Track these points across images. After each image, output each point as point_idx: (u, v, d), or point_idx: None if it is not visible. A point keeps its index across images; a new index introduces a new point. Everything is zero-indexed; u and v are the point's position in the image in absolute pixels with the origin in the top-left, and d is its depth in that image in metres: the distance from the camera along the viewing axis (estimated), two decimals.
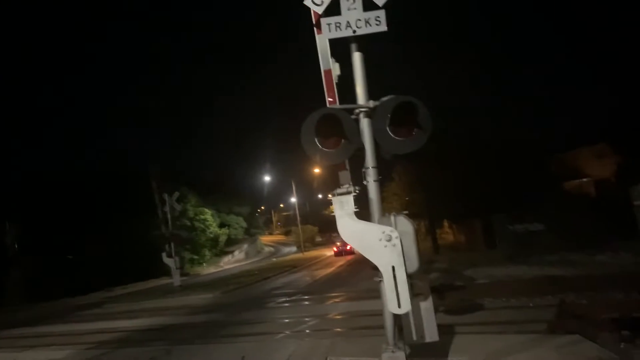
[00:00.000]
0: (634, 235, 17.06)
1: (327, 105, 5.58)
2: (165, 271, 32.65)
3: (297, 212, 58.72)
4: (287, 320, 12.41)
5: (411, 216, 5.50)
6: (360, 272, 22.39)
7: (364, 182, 5.52)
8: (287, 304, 15.79)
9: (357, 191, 5.32)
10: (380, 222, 5.32)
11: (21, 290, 31.11)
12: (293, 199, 61.53)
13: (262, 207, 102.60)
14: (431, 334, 5.52)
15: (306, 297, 17.01)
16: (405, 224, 5.29)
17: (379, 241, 5.00)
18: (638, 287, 9.94)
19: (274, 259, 53.72)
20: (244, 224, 66.58)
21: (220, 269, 49.73)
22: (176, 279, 25.69)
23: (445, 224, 39.92)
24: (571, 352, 6.12)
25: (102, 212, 41.17)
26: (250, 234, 71.65)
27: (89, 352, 11.50)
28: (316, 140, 5.25)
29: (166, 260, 26.04)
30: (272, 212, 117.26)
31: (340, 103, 5.63)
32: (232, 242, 62.71)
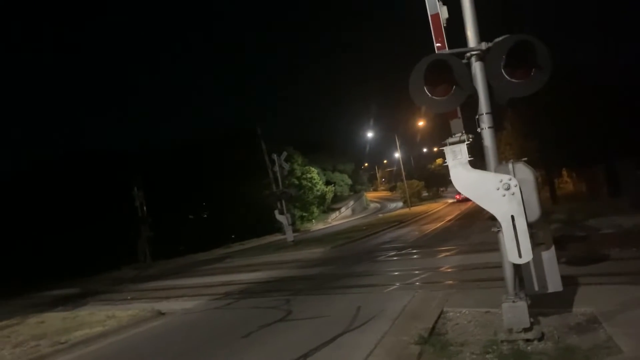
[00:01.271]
0: None
1: (436, 51, 5.37)
2: (278, 228, 34.35)
3: (402, 167, 58.12)
4: (397, 273, 12.51)
5: (529, 165, 5.22)
6: (471, 226, 21.86)
7: (478, 130, 5.31)
8: (396, 258, 15.89)
9: (471, 139, 5.14)
10: (497, 171, 5.12)
11: (151, 247, 34.21)
12: (397, 154, 60.94)
13: (366, 164, 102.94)
14: (554, 284, 5.31)
15: (415, 250, 16.98)
16: (524, 172, 5.05)
17: (497, 190, 4.83)
18: None
19: (380, 215, 54.03)
20: (349, 181, 67.41)
21: (329, 225, 51.06)
22: (289, 235, 26.83)
23: (564, 172, 37.45)
24: None
25: (218, 175, 43.81)
26: (356, 190, 72.46)
27: (215, 302, 12.51)
28: (425, 89, 5.10)
29: (279, 217, 27.23)
30: (377, 169, 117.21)
31: (449, 48, 5.40)
32: (338, 199, 63.93)
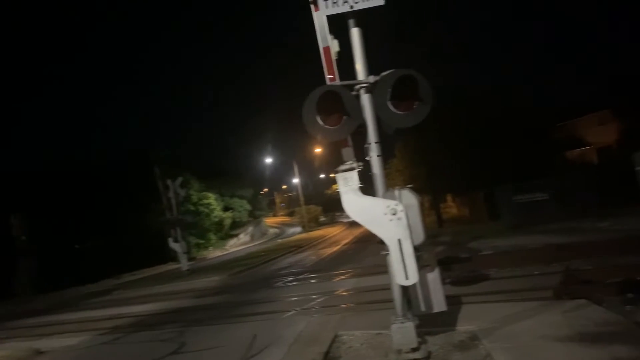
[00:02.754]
0: (637, 200, 17.15)
1: (327, 82, 5.58)
2: (172, 256, 32.98)
3: (300, 192, 58.82)
4: (295, 299, 12.55)
5: (414, 191, 5.55)
6: (365, 250, 22.55)
7: (367, 158, 5.56)
8: (294, 283, 15.95)
9: (360, 167, 5.36)
10: (384, 197, 5.38)
11: (32, 280, 31.39)
12: (295, 180, 61.61)
13: (266, 189, 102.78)
14: (439, 304, 5.62)
15: (313, 275, 17.16)
16: (409, 197, 5.34)
17: (385, 215, 5.06)
18: None
19: (279, 240, 54.02)
20: (248, 207, 66.80)
21: (227, 252, 50.05)
22: (184, 264, 25.93)
23: (449, 197, 40.00)
24: (578, 316, 6.22)
25: (107, 201, 41.34)
26: (255, 216, 71.91)
27: (103, 337, 11.68)
28: (318, 118, 5.27)
29: (173, 245, 26.25)
30: (275, 194, 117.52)
31: (340, 80, 5.63)
32: (237, 225, 62.98)
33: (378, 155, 5.52)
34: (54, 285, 32.58)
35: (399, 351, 5.47)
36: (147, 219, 37.98)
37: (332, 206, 70.39)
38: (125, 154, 46.69)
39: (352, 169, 5.30)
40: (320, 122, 5.27)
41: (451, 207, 39.65)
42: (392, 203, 5.07)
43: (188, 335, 9.82)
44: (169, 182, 26.55)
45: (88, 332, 12.65)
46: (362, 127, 5.51)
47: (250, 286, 17.10)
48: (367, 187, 5.50)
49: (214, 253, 49.08)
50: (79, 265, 38.23)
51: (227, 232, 58.95)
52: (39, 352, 10.55)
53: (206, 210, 51.81)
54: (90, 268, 36.79)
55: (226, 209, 59.11)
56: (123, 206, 41.35)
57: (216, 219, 54.15)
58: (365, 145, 5.56)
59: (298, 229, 65.22)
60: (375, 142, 5.51)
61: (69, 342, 11.64)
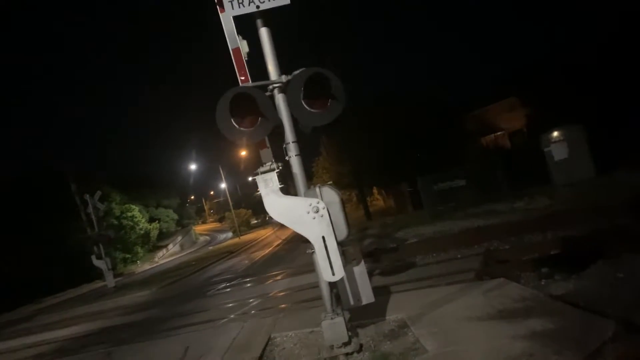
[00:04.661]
0: (548, 180, 18.34)
1: (240, 84, 5.51)
2: (98, 274, 31.39)
3: (229, 197, 58.05)
4: (230, 305, 12.36)
5: (342, 187, 5.63)
6: (297, 249, 22.60)
7: (286, 158, 5.55)
8: (228, 289, 15.71)
9: (280, 167, 5.34)
10: (306, 196, 5.39)
11: None
12: (223, 185, 60.74)
13: (192, 197, 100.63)
14: (367, 297, 5.71)
15: (246, 279, 16.98)
16: (330, 194, 5.38)
17: (307, 214, 5.07)
18: (552, 228, 10.74)
19: (211, 247, 53.02)
20: (175, 216, 65.09)
21: (156, 264, 48.46)
22: (109, 281, 24.82)
23: (375, 191, 40.91)
24: (497, 295, 6.54)
25: (20, 221, 38.71)
26: (183, 225, 70.22)
27: None
28: (232, 121, 5.19)
29: (96, 262, 25.05)
30: (204, 201, 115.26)
31: (254, 81, 5.58)
32: (164, 236, 61.18)
33: (297, 155, 5.53)
34: None
35: (331, 347, 5.51)
36: (68, 237, 36.02)
37: (263, 208, 69.82)
38: (36, 167, 43.78)
39: (271, 170, 5.27)
40: (236, 125, 5.20)
41: (378, 200, 40.57)
42: (313, 201, 5.09)
43: (117, 356, 9.38)
44: (87, 196, 25.27)
45: None
46: (279, 127, 5.50)
47: (181, 297, 16.65)
48: (290, 187, 5.50)
49: (143, 267, 47.35)
50: None
51: (154, 244, 57.10)
52: None
53: (130, 223, 49.87)
54: (5, 295, 34.33)
55: (152, 220, 57.24)
56: (41, 225, 38.90)
57: (142, 232, 52.26)
58: (284, 145, 5.55)
59: (229, 234, 64.35)
60: (293, 142, 5.51)
61: None
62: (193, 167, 62.02)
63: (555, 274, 7.45)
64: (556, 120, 18.94)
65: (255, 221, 73.15)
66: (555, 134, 18.33)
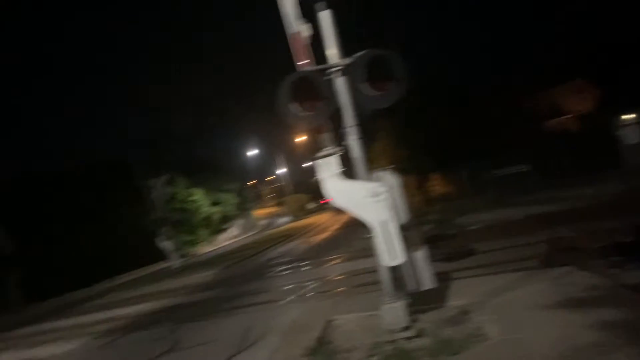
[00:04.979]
0: (618, 164, 17.38)
1: (300, 68, 5.52)
2: (163, 255, 32.81)
3: (287, 181, 58.80)
4: (288, 287, 12.58)
5: (400, 172, 5.56)
6: (355, 233, 22.62)
7: (346, 142, 5.54)
8: (287, 272, 15.98)
9: (340, 151, 5.34)
10: (367, 180, 5.37)
11: (22, 289, 31.03)
12: (282, 170, 61.52)
13: (252, 181, 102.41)
14: (428, 282, 5.66)
15: (305, 262, 17.19)
16: (390, 179, 5.35)
17: (368, 198, 5.06)
18: (623, 214, 10.19)
19: (270, 231, 53.96)
20: (236, 200, 66.41)
21: (217, 247, 49.90)
22: (174, 262, 25.85)
23: (434, 176, 40.18)
24: (564, 283, 6.31)
25: (94, 206, 40.91)
26: (243, 209, 71.62)
27: (99, 340, 11.65)
28: (293, 106, 5.23)
29: (162, 244, 26.14)
30: (262, 185, 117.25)
31: (315, 64, 5.58)
32: (225, 219, 62.65)
33: (357, 138, 5.50)
34: (46, 293, 32.29)
35: (391, 331, 5.51)
36: (135, 220, 37.76)
37: (321, 193, 70.39)
38: (106, 156, 46.07)
39: (331, 155, 5.29)
40: (296, 110, 5.23)
41: (437, 186, 39.80)
42: (374, 185, 5.07)
43: (182, 333, 9.81)
44: (153, 181, 26.33)
45: (84, 337, 12.60)
46: (339, 111, 5.49)
47: (242, 279, 17.10)
48: (349, 172, 5.50)
49: (205, 249, 48.87)
50: (69, 272, 37.97)
51: (216, 227, 58.66)
52: None
53: (193, 206, 51.40)
54: (81, 273, 36.55)
55: (214, 203, 58.77)
56: (111, 210, 41.01)
57: (204, 215, 53.79)
58: (344, 129, 5.54)
59: (287, 218, 65.17)
60: (354, 125, 5.49)
61: (66, 348, 11.61)
62: (253, 152, 63.10)
63: (627, 263, 7.08)
64: (628, 103, 17.87)
65: (313, 206, 73.69)
66: (628, 117, 17.31)
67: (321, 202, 51.13)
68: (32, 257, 33.74)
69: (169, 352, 8.39)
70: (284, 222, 63.82)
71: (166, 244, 25.94)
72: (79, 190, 41.37)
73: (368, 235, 5.28)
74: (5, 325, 22.04)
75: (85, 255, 40.38)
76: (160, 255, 35.34)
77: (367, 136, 5.59)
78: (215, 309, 11.88)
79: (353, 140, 5.48)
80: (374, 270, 10.33)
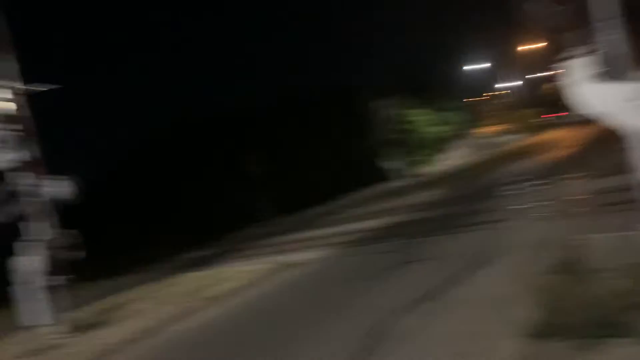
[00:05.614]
0: None
1: None
2: (389, 175, 34.20)
3: (513, 96, 54.73)
4: (524, 206, 11.97)
5: None
6: (596, 150, 20.19)
7: (604, 38, 4.82)
8: (519, 191, 15.20)
9: (593, 51, 4.70)
10: (628, 81, 4.66)
11: (270, 206, 35.71)
12: (507, 84, 57.36)
13: (476, 98, 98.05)
14: None
15: (542, 181, 16.01)
16: None
17: (629, 102, 4.42)
18: None
19: (495, 150, 51.63)
20: (459, 119, 64.82)
21: (444, 166, 49.96)
22: (400, 181, 26.66)
23: None
24: None
25: (325, 129, 44.40)
26: (465, 127, 69.64)
27: (340, 250, 12.96)
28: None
29: (387, 164, 27.05)
30: (487, 101, 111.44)
31: None
32: (447, 139, 61.96)
33: (618, 33, 4.74)
34: (289, 209, 36.75)
35: None
36: (362, 140, 39.86)
37: (553, 107, 64.03)
38: (334, 86, 49.00)
39: (583, 54, 4.69)
40: (544, 5, 4.70)
41: None
42: (638, 87, 4.39)
43: (414, 246, 10.25)
44: (382, 103, 27.05)
45: (326, 247, 14.07)
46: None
47: (471, 197, 16.86)
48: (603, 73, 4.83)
49: (429, 169, 49.34)
50: (308, 189, 42.50)
51: (440, 146, 58.51)
52: (289, 265, 12.19)
53: (416, 126, 51.86)
54: (316, 191, 40.59)
55: (435, 123, 58.34)
56: (339, 132, 44.02)
57: (427, 135, 53.95)
58: (599, 22, 4.82)
59: (515, 136, 61.25)
60: (615, 17, 4.72)
61: (310, 256, 13.18)
62: (477, 66, 59.80)
63: None
64: None
65: (543, 122, 67.54)
66: None
67: (542, 116, 46.66)
68: (278, 177, 38.33)
69: (403, 264, 8.88)
70: (511, 140, 60.14)
71: (390, 164, 26.82)
72: (320, 113, 45.31)
73: (629, 146, 4.65)
74: (261, 235, 25.96)
75: (319, 175, 44.60)
76: (387, 175, 36.97)
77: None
78: (444, 226, 12.02)
79: (614, 35, 4.74)
80: (623, 189, 9.18)
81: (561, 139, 37.99)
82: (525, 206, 11.86)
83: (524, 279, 5.79)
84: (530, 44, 46.28)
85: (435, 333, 4.95)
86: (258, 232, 29.79)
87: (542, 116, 48.89)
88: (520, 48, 50.32)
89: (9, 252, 9.36)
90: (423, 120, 53.16)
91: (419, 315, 5.66)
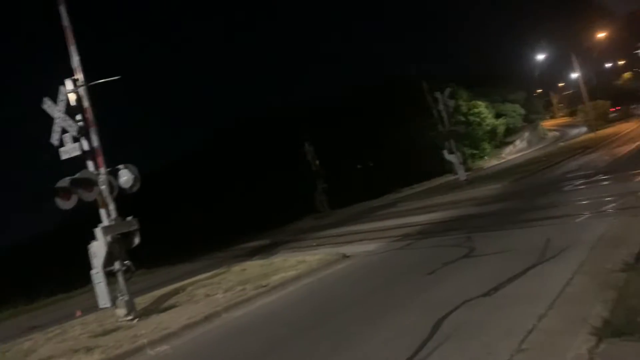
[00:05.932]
0: None
1: None
2: (447, 168, 33.49)
3: (583, 87, 51.96)
4: (588, 202, 11.47)
5: None
6: None
7: None
8: (584, 186, 14.56)
9: None
10: None
11: (327, 198, 35.90)
12: (575, 74, 54.52)
13: (540, 90, 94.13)
14: None
15: (606, 176, 15.33)
16: None
17: None
18: None
19: (561, 143, 49.39)
20: (522, 111, 62.49)
21: (503, 160, 48.45)
22: (461, 174, 26.07)
23: None
24: None
25: (381, 122, 44.24)
26: (530, 120, 67.03)
27: (395, 243, 12.87)
28: None
29: (448, 157, 26.51)
30: (552, 93, 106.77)
31: None
32: (511, 132, 59.93)
33: None
34: (345, 201, 36.84)
35: None
36: (420, 134, 39.32)
37: (624, 99, 60.48)
38: (390, 77, 48.56)
39: None
40: None
41: None
42: None
43: (476, 241, 9.99)
44: (437, 94, 26.56)
45: (381, 240, 14.04)
46: None
47: (534, 192, 16.32)
48: None
49: (490, 162, 48.01)
50: (363, 182, 42.51)
51: (501, 139, 56.73)
52: (345, 256, 12.20)
53: (477, 119, 50.49)
54: (372, 184, 40.49)
55: (498, 115, 56.53)
56: (395, 125, 43.73)
57: (488, 128, 52.42)
58: None
59: (583, 129, 58.31)
60: None
61: (367, 248, 13.18)
62: (540, 57, 57.25)
63: None
64: None
65: (614, 114, 63.92)
66: None
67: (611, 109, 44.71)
68: (333, 171, 38.49)
69: (466, 257, 8.70)
70: (579, 133, 57.39)
71: (452, 157, 26.22)
72: (378, 104, 45.46)
73: None
74: (318, 227, 26.16)
75: (377, 168, 44.56)
76: (445, 169, 36.27)
77: None
78: (508, 220, 11.64)
79: None
80: None
81: (635, 132, 35.94)
82: (591, 201, 11.32)
83: (595, 275, 5.55)
84: (607, 31, 43.94)
85: (501, 328, 4.81)
86: (313, 223, 30.08)
87: (616, 107, 46.58)
88: (599, 35, 47.92)
89: (90, 238, 9.88)
90: (484, 112, 51.73)
91: (484, 310, 5.54)
